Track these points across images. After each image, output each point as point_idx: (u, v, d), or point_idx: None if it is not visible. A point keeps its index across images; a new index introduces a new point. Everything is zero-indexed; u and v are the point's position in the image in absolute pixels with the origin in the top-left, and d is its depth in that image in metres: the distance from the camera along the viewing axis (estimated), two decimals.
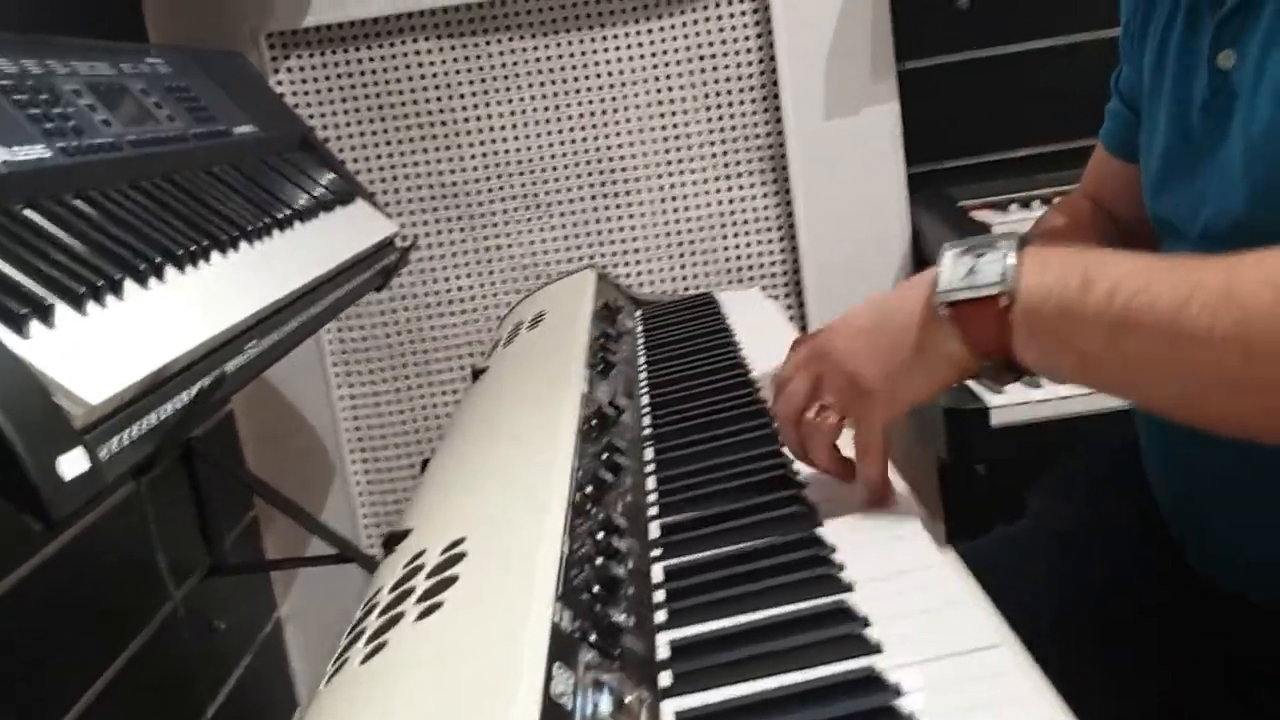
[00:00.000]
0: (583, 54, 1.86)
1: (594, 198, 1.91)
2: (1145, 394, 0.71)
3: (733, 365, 1.16)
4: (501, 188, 1.90)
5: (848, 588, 0.63)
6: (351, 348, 1.95)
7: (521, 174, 1.90)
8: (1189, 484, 0.90)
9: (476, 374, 1.22)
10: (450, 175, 1.89)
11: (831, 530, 0.72)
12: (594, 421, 0.90)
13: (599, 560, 0.63)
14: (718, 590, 0.65)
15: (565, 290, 1.57)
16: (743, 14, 1.84)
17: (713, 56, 1.86)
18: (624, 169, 1.90)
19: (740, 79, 1.87)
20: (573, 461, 0.77)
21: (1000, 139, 1.92)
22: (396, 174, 1.89)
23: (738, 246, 1.92)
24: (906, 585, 0.63)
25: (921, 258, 1.85)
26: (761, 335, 1.29)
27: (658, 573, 0.69)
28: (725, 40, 1.85)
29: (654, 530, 0.76)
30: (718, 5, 1.84)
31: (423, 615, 0.58)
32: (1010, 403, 1.51)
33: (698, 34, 1.85)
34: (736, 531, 0.73)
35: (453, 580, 0.59)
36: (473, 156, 1.89)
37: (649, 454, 0.92)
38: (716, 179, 1.90)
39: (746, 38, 1.85)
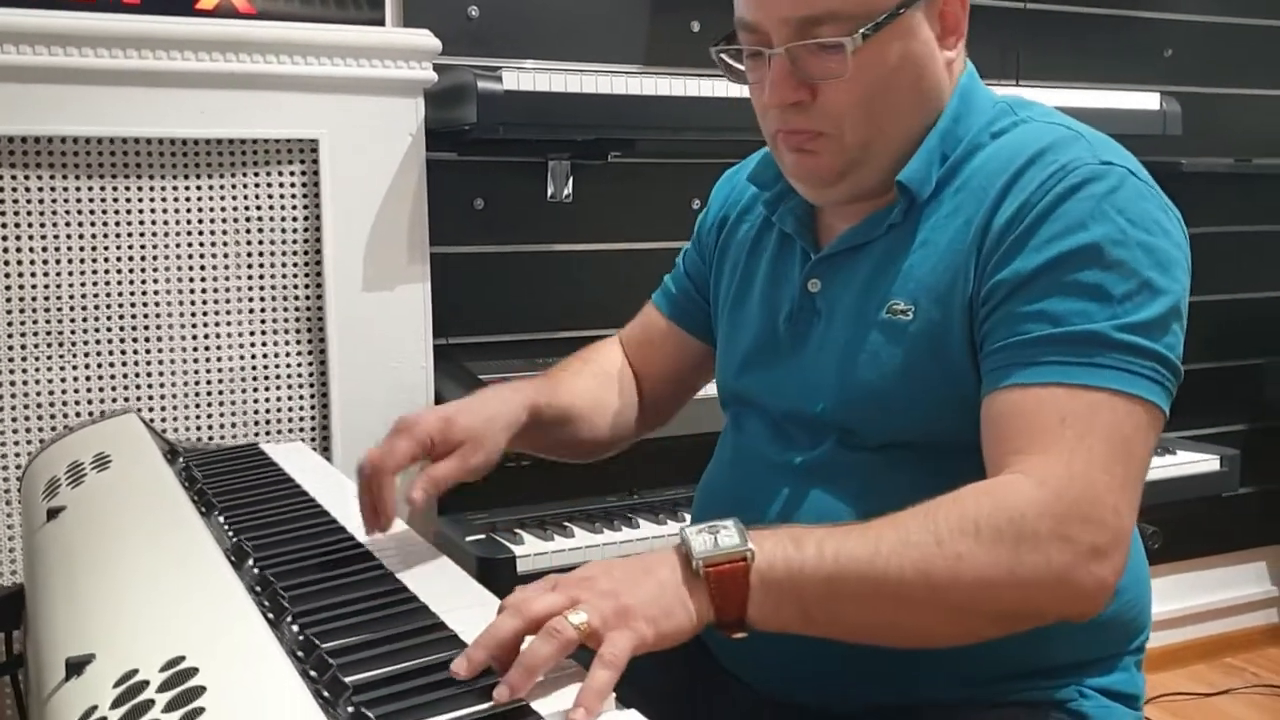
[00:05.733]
0: (127, 200, 1.89)
1: (122, 341, 1.91)
2: (852, 627, 0.88)
3: (318, 513, 1.27)
4: (24, 324, 1.84)
5: None
6: None
7: (47, 310, 1.85)
8: None
9: (53, 513, 1.22)
10: None
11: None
12: (233, 558, 0.98)
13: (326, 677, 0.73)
14: None
15: (113, 434, 1.57)
16: (292, 185, 1.98)
17: (259, 219, 1.97)
18: (156, 315, 1.92)
19: (285, 243, 1.99)
20: (243, 591, 0.86)
21: (513, 323, 2.20)
22: None
23: (269, 400, 2.00)
24: None
25: None
26: (325, 487, 1.41)
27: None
28: (274, 205, 1.97)
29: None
30: (268, 174, 1.96)
31: None
32: (533, 552, 1.74)
33: (245, 195, 1.95)
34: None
35: (200, 690, 0.67)
36: None
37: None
38: (253, 333, 1.98)
39: (294, 206, 1.98)
